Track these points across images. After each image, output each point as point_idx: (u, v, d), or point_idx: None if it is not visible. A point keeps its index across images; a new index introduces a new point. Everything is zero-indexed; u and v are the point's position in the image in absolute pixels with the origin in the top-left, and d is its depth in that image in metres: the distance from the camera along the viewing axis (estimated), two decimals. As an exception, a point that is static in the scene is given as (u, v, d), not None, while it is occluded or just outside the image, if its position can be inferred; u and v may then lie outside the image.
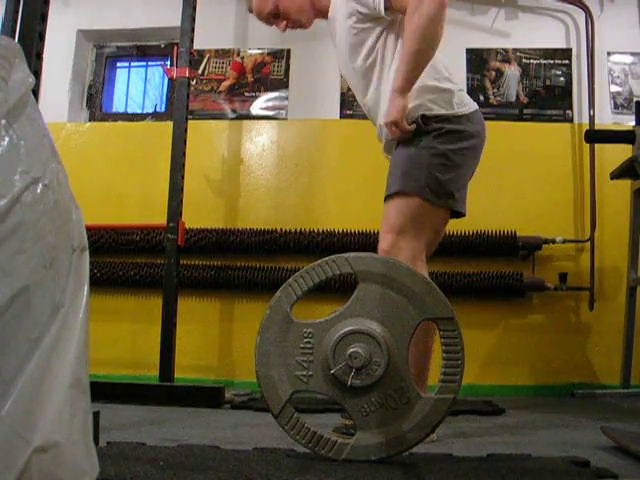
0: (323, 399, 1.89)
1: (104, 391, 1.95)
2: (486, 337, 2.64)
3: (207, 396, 2.03)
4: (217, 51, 3.03)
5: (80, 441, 0.63)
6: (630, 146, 2.30)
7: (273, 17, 1.73)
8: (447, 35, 2.88)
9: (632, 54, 2.92)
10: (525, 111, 2.90)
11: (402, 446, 1.05)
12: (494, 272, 2.63)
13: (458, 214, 1.58)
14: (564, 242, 2.69)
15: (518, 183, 2.77)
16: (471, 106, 1.56)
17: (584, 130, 2.49)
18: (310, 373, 1.08)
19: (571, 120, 2.87)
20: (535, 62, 2.94)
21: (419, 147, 1.50)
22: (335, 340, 1.05)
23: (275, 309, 1.10)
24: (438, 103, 1.51)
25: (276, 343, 1.08)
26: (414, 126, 1.49)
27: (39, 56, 1.34)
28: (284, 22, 1.73)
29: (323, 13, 1.71)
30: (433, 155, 1.48)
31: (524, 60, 2.94)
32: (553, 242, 2.67)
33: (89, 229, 0.74)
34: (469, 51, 2.95)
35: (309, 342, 1.08)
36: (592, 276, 2.68)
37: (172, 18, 2.57)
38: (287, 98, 2.97)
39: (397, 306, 1.08)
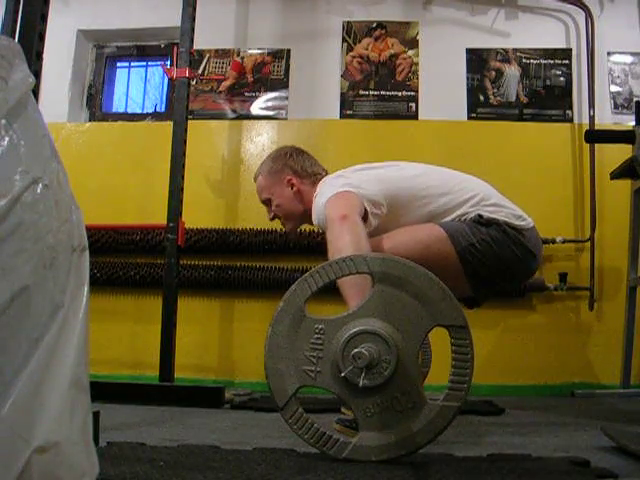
0: (324, 399, 1.91)
1: (104, 391, 1.94)
2: (486, 337, 2.64)
3: (207, 396, 2.03)
4: (217, 51, 3.03)
5: (80, 441, 0.63)
6: (630, 146, 2.30)
7: (264, 203, 1.83)
8: (447, 35, 2.96)
9: (632, 54, 2.92)
10: (525, 111, 2.90)
11: (403, 450, 1.05)
12: (494, 272, 2.62)
13: (473, 302, 1.58)
14: (564, 242, 2.69)
15: (518, 183, 2.76)
16: (528, 222, 1.55)
17: (584, 130, 2.48)
18: (318, 369, 1.07)
19: (571, 120, 2.87)
20: (535, 62, 2.94)
21: (475, 226, 1.49)
22: (345, 339, 1.05)
23: (289, 302, 1.09)
24: (495, 212, 1.52)
25: (287, 336, 1.07)
26: None
27: (39, 56, 1.34)
28: (272, 213, 1.81)
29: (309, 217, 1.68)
30: (486, 234, 1.47)
31: (524, 60, 2.94)
32: (553, 242, 2.68)
33: (89, 229, 0.74)
34: (469, 51, 2.95)
35: (320, 338, 1.07)
36: (592, 276, 2.68)
37: (172, 18, 2.57)
38: (287, 98, 2.97)
39: (411, 310, 1.07)
